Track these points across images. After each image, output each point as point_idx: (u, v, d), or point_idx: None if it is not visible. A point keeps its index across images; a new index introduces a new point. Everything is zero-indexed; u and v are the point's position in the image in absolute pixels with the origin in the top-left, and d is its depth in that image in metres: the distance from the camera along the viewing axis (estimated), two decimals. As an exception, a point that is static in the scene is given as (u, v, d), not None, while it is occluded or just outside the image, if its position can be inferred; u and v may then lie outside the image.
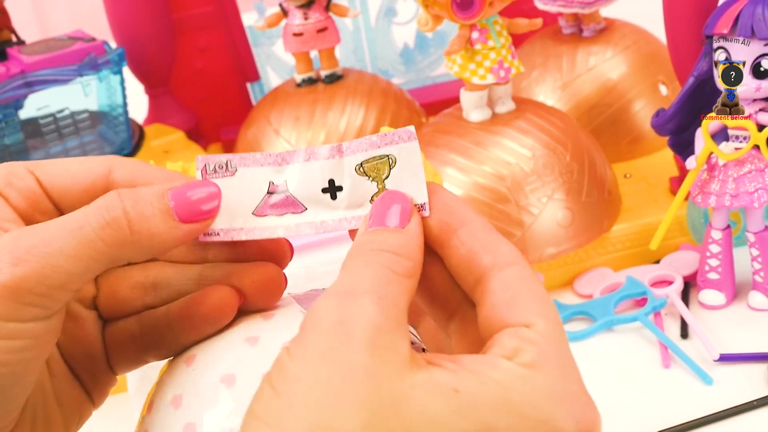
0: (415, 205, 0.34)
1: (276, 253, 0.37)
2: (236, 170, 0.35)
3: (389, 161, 0.34)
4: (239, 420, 0.32)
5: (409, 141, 0.34)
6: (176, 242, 0.34)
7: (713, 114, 0.68)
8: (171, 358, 0.37)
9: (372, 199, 0.35)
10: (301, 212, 0.35)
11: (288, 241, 0.37)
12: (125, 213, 0.33)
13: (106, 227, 0.32)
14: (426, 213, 0.34)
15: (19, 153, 0.86)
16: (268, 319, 0.36)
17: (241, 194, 0.35)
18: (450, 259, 0.34)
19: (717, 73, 0.68)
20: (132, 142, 0.92)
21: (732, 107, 0.68)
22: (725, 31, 0.67)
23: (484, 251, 0.33)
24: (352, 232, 0.35)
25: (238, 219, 0.35)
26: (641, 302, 0.75)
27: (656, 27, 0.85)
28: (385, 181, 0.34)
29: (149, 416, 0.35)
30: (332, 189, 0.35)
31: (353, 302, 0.30)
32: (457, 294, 0.34)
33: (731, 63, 0.67)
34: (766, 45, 0.67)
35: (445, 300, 0.34)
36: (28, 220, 0.35)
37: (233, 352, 0.35)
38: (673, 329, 0.72)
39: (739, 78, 0.67)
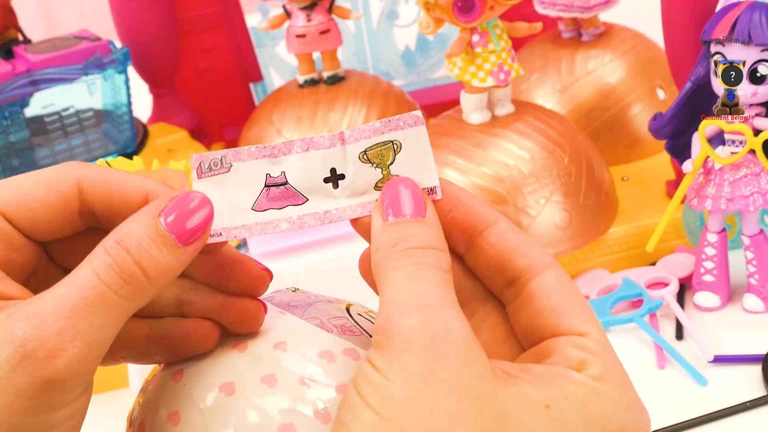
0: (425, 189, 0.34)
1: (254, 279, 0.35)
2: (231, 166, 0.34)
3: (394, 147, 0.34)
4: (245, 428, 0.33)
5: (415, 125, 0.34)
6: (186, 265, 0.33)
7: (714, 115, 0.69)
8: (147, 378, 0.37)
9: (377, 186, 0.34)
10: (302, 204, 0.34)
11: (266, 267, 0.36)
12: (137, 263, 0.31)
13: (126, 286, 0.31)
14: (438, 196, 0.34)
15: (25, 150, 0.87)
16: None
17: (239, 190, 0.34)
18: (476, 259, 0.34)
19: (717, 74, 0.68)
20: (136, 141, 0.93)
21: (732, 107, 0.68)
22: (723, 37, 0.68)
23: (517, 254, 0.33)
24: (355, 221, 0.35)
25: (238, 216, 0.34)
26: (637, 304, 0.75)
27: (654, 32, 0.85)
28: (390, 167, 0.34)
29: None
30: (334, 178, 0.34)
31: (438, 318, 0.30)
32: (467, 289, 0.35)
33: (731, 63, 0.67)
34: (762, 51, 0.67)
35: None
36: (3, 263, 0.33)
37: (223, 361, 0.34)
38: (668, 330, 0.73)
39: (739, 78, 0.67)
